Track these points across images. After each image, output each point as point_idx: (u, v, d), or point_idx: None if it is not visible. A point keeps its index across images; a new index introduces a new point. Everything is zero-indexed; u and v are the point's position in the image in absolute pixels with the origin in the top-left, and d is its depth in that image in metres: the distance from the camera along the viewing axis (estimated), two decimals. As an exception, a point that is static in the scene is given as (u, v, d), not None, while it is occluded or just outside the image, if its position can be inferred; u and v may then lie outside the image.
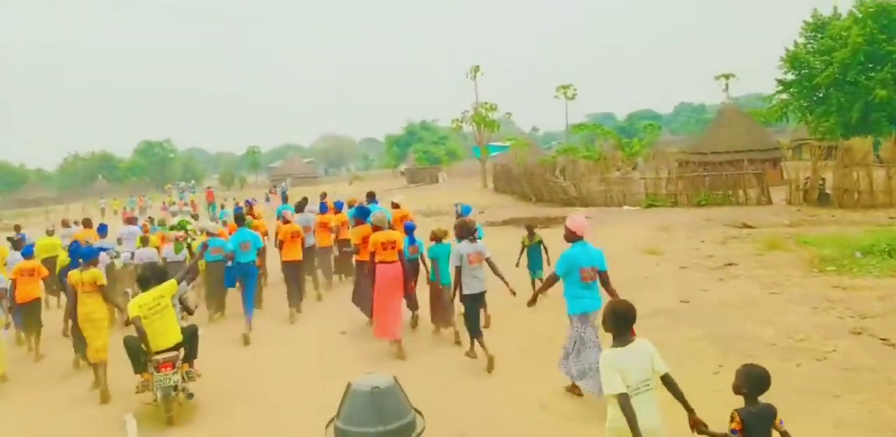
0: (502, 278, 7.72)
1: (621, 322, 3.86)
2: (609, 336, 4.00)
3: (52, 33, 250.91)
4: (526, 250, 10.72)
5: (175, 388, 6.51)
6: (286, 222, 11.23)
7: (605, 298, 5.49)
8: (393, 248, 8.37)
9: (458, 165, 70.00)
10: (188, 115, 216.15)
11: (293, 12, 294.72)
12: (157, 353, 6.51)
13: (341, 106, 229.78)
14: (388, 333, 8.37)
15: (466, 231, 7.69)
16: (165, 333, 6.63)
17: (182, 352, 6.75)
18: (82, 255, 7.99)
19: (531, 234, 10.73)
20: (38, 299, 9.89)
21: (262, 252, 10.27)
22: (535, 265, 10.62)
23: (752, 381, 3.52)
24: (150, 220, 19.07)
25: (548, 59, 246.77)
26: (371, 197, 12.67)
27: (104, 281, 7.88)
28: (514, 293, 7.55)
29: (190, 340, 6.96)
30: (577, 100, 43.50)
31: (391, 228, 9.05)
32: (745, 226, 17.03)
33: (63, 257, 10.36)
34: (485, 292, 7.81)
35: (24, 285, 9.62)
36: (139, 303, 6.59)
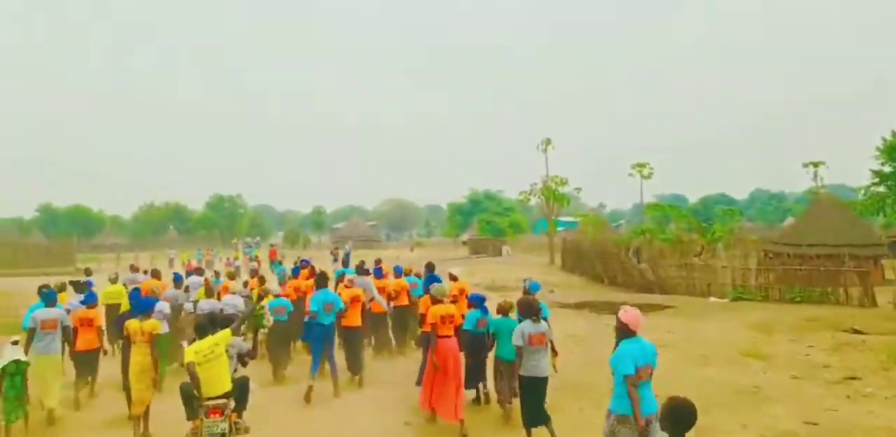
0: (553, 365, 7.72)
1: (678, 423, 3.61)
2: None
3: (129, 83, 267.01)
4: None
5: (223, 436, 6.59)
6: (347, 286, 11.12)
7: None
8: (451, 322, 8.27)
9: (522, 239, 68.95)
10: (259, 172, 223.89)
11: (359, 79, 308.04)
12: (208, 399, 6.60)
13: (406, 171, 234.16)
14: (449, 413, 8.03)
15: (531, 310, 7.38)
16: (217, 380, 6.70)
17: (232, 402, 6.82)
18: (139, 304, 8.27)
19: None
20: (95, 349, 9.84)
21: (340, 314, 10.15)
22: None
23: (676, 414, 3.54)
24: (216, 274, 19.16)
25: (616, 138, 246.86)
26: (430, 268, 12.08)
27: (160, 331, 8.19)
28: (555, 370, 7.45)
29: (241, 390, 7.07)
30: (645, 179, 42.13)
31: (453, 301, 9.22)
32: (856, 331, 15.24)
33: (126, 304, 10.37)
34: (546, 378, 7.40)
35: (83, 334, 9.64)
36: (195, 349, 6.72)
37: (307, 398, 9.34)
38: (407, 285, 12.75)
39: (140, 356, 7.92)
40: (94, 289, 11.66)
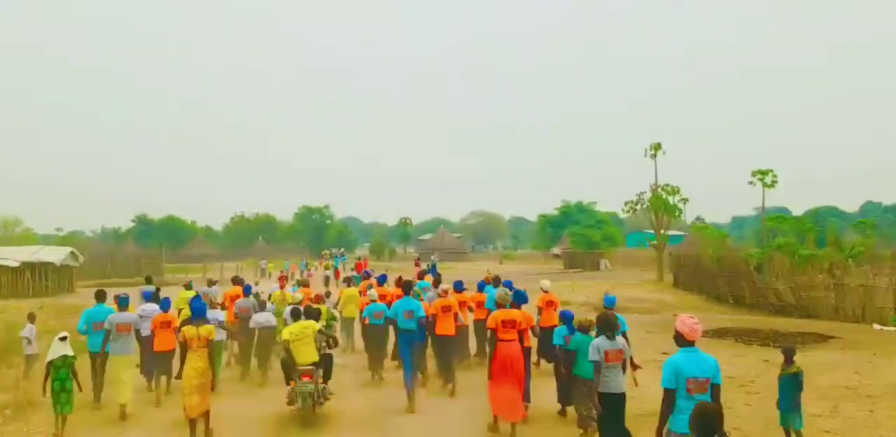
0: (634, 379, 7.75)
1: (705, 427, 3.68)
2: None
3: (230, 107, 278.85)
4: (778, 380, 7.90)
5: (312, 395, 8.72)
6: (441, 295, 11.33)
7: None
8: (513, 327, 8.51)
9: (618, 252, 64.99)
10: (345, 184, 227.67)
11: (447, 91, 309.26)
12: (300, 367, 8.82)
13: (492, 183, 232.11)
14: (507, 412, 8.32)
15: (608, 326, 7.21)
16: (306, 354, 8.94)
17: (320, 371, 9.12)
18: (195, 310, 8.70)
19: (789, 360, 7.89)
20: (172, 350, 10.39)
21: (422, 322, 10.41)
22: (786, 404, 7.69)
23: (703, 418, 3.67)
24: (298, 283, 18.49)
25: (720, 137, 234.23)
26: (497, 280, 12.83)
27: (215, 337, 8.59)
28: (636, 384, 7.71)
29: (326, 362, 9.43)
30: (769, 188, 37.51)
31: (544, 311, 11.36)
32: None
33: (186, 311, 10.90)
34: (624, 394, 7.16)
35: (161, 335, 10.40)
36: (289, 330, 9.09)
37: (410, 409, 9.64)
38: (485, 297, 12.35)
39: (197, 361, 8.19)
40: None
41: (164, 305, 10.92)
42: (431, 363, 11.61)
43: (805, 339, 15.20)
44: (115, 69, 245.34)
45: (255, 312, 12.24)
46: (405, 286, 10.96)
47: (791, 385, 7.58)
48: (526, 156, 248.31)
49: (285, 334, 8.99)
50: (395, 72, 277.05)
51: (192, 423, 8.06)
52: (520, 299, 9.22)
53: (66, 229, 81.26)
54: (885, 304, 19.41)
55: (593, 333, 7.72)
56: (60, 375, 8.52)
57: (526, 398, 8.87)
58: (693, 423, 3.67)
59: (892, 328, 17.19)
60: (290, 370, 9.01)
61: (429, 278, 15.02)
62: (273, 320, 12.00)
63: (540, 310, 11.85)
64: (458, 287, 13.26)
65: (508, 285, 11.43)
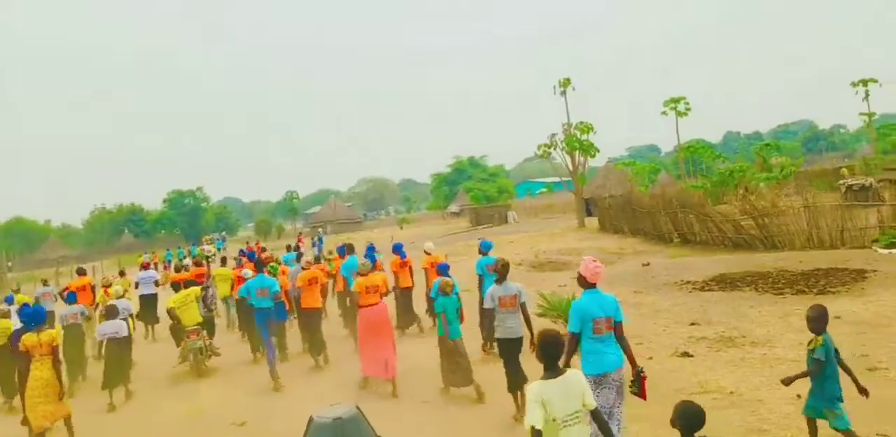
0: (529, 329, 7.02)
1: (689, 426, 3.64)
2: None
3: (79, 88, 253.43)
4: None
5: (201, 351, 10.32)
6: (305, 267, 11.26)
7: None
8: (376, 291, 8.72)
9: (516, 204, 62.48)
10: (219, 164, 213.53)
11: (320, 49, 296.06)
12: (188, 328, 10.37)
13: (376, 147, 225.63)
14: (380, 371, 8.44)
15: (501, 272, 7.35)
16: (191, 316, 10.57)
17: (204, 330, 10.73)
18: (29, 316, 7.82)
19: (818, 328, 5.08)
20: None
21: (277, 297, 10.29)
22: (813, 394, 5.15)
23: (687, 417, 3.61)
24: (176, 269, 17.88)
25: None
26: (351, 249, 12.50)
27: (59, 342, 7.90)
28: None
29: (209, 323, 11.63)
30: (682, 116, 35.11)
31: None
32: None
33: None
34: (521, 338, 7.11)
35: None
36: (173, 299, 10.66)
37: (276, 388, 9.22)
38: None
39: (41, 371, 7.50)
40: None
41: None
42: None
43: (836, 278, 12.04)
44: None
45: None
46: (257, 264, 10.87)
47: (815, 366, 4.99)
48: (405, 119, 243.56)
49: (170, 302, 10.58)
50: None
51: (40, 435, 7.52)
52: (372, 260, 9.77)
53: None
54: (866, 224, 16.94)
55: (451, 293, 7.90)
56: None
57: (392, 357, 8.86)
58: (677, 422, 3.64)
59: (888, 251, 14.51)
60: (179, 332, 10.79)
61: (338, 259, 13.05)
62: (123, 331, 9.92)
63: (426, 271, 12.04)
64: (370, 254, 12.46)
65: (398, 248, 12.28)
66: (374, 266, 9.50)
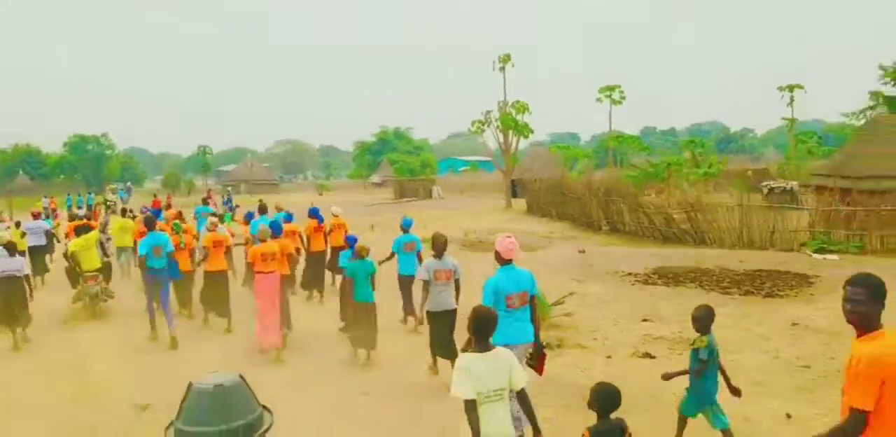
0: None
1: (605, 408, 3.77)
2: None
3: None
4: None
5: (97, 295, 10.82)
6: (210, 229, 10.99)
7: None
8: (273, 259, 8.80)
9: (439, 180, 61.79)
10: (127, 111, 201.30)
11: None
12: (87, 272, 10.75)
13: (298, 110, 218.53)
14: (267, 338, 8.54)
15: (437, 247, 7.61)
16: (91, 261, 10.90)
17: (101, 275, 11.02)
18: None
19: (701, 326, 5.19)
20: None
21: (172, 256, 9.99)
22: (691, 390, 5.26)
23: (603, 398, 3.69)
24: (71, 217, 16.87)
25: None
26: (262, 210, 13.99)
27: None
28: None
29: (106, 269, 11.70)
30: (616, 104, 35.27)
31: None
32: None
33: None
34: (454, 310, 7.40)
35: None
36: (75, 243, 11.10)
37: (152, 338, 9.39)
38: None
39: None
40: None
41: None
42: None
43: (781, 281, 11.96)
44: None
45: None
46: (146, 221, 10.62)
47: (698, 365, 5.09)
48: (332, 84, 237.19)
49: (72, 246, 11.12)
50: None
51: None
52: (276, 228, 9.50)
53: None
54: (797, 227, 17.25)
55: (368, 258, 8.30)
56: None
57: (286, 324, 9.09)
58: (594, 404, 3.72)
59: (834, 257, 14.76)
60: (75, 275, 11.21)
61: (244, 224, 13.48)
62: (25, 269, 9.83)
63: (330, 231, 12.28)
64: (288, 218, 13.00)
65: (315, 211, 12.33)
66: (281, 232, 9.63)
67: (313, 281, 12.05)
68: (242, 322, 9.66)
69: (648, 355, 7.88)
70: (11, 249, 9.67)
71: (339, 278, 10.91)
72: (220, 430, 1.81)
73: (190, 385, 1.92)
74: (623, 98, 34.97)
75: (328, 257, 12.22)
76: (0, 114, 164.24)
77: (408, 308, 9.69)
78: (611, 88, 35.40)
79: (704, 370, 4.96)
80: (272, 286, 8.70)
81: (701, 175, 20.37)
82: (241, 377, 1.97)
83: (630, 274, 13.20)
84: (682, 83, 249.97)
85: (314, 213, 12.28)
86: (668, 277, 12.67)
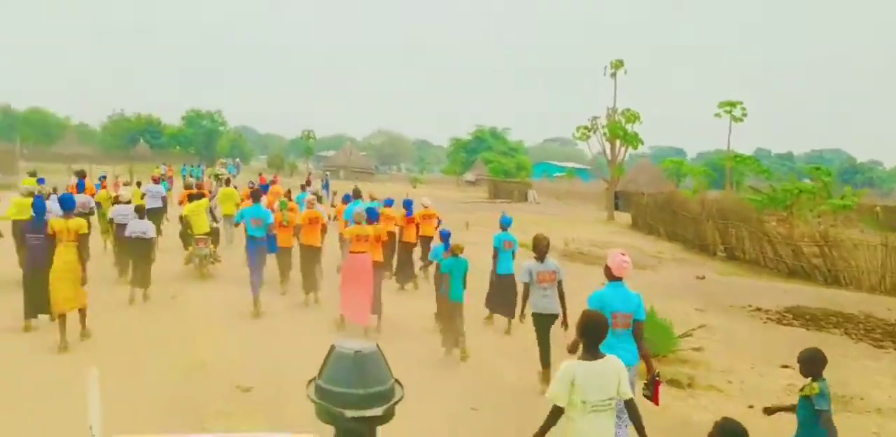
0: (563, 307, 7.19)
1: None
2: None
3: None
4: None
5: (206, 257, 11.65)
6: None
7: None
8: (366, 241, 8.96)
9: (535, 184, 60.54)
10: (241, 90, 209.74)
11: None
12: (197, 236, 11.58)
13: (399, 102, 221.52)
14: (351, 313, 8.81)
15: (539, 249, 7.37)
16: (201, 226, 11.68)
17: (210, 239, 11.90)
18: (64, 202, 8.27)
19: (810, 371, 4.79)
20: None
21: (270, 228, 10.33)
22: None
23: (726, 435, 3.45)
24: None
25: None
26: (356, 195, 14.03)
27: (86, 231, 8.54)
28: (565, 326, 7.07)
29: (214, 233, 12.67)
30: (737, 121, 32.83)
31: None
32: None
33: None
34: (557, 315, 7.18)
35: None
36: (188, 207, 12.04)
37: (255, 315, 9.55)
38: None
39: (68, 255, 7.92)
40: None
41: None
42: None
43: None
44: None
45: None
46: (254, 195, 11.10)
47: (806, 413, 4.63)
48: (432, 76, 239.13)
49: (185, 210, 12.12)
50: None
51: (61, 319, 7.75)
52: (373, 215, 9.52)
53: None
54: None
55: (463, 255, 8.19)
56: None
57: (376, 309, 9.07)
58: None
59: None
60: (188, 237, 12.19)
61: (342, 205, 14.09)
62: (151, 232, 10.52)
63: (420, 221, 12.55)
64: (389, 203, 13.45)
65: (408, 203, 12.66)
66: (377, 218, 9.84)
67: (401, 271, 12.22)
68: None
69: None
70: (141, 212, 10.59)
71: (430, 270, 11.33)
72: (357, 393, 1.82)
73: (332, 348, 1.92)
74: (745, 115, 32.69)
75: (417, 246, 12.53)
76: (125, 84, 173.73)
77: (499, 309, 9.59)
78: (731, 104, 33.12)
79: (820, 421, 4.48)
80: (361, 267, 8.87)
81: (838, 207, 18.46)
82: (378, 347, 1.93)
83: (759, 310, 11.95)
84: (682, 83, 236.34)
85: (408, 205, 12.67)
86: (806, 318, 11.36)
